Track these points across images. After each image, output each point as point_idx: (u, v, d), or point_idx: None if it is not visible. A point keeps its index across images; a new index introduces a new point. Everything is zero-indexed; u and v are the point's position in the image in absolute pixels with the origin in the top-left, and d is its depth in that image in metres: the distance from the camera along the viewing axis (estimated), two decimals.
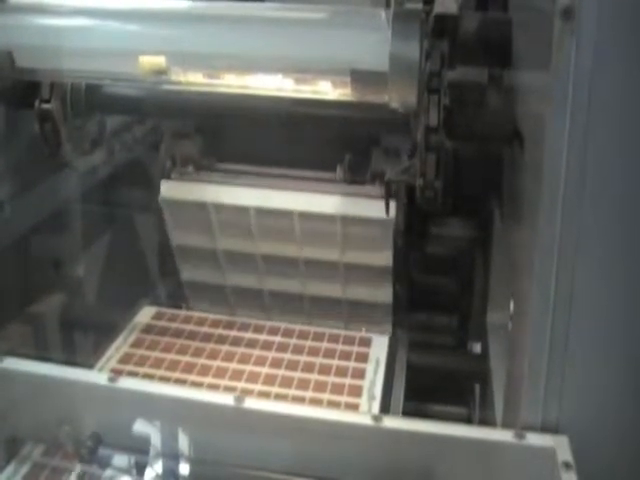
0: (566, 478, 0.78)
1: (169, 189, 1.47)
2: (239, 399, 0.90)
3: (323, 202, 1.39)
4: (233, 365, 1.36)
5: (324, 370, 1.35)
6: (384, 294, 1.48)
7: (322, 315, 1.53)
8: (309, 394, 1.29)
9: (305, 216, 1.40)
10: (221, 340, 1.44)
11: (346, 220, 1.39)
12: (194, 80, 0.98)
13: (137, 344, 1.42)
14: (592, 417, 0.83)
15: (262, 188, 1.42)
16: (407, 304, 1.53)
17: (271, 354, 1.40)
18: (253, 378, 1.33)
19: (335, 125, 1.23)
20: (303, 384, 1.31)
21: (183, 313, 1.54)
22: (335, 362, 1.38)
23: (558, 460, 0.80)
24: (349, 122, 1.20)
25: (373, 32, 0.89)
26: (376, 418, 0.87)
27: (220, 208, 1.45)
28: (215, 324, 1.49)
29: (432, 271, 1.59)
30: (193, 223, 1.49)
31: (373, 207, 1.35)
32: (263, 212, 1.42)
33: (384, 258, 1.42)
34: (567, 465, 0.79)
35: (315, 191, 1.40)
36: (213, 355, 1.39)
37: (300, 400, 1.27)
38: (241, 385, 1.31)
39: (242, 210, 1.43)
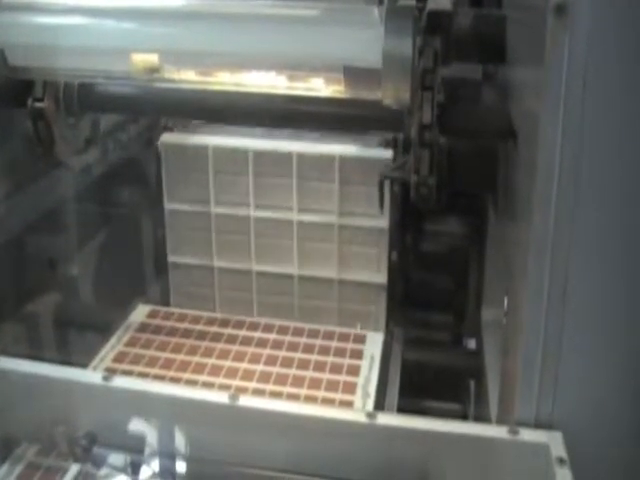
0: (560, 474, 0.78)
1: (169, 137, 1.55)
2: (234, 397, 0.90)
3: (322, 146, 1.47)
4: (228, 363, 1.36)
5: (319, 367, 1.35)
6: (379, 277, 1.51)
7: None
8: (304, 391, 1.29)
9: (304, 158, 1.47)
10: (216, 338, 1.44)
11: (344, 160, 1.45)
12: (187, 78, 0.98)
13: (131, 343, 1.42)
14: (586, 413, 0.83)
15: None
16: (402, 300, 1.53)
17: (266, 351, 1.40)
18: (248, 376, 1.33)
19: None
20: (298, 381, 1.31)
21: (177, 311, 1.54)
22: (330, 359, 1.37)
23: (552, 456, 0.80)
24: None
25: (366, 29, 0.89)
26: (370, 415, 0.87)
27: (219, 151, 1.51)
28: (210, 322, 1.49)
29: (427, 268, 1.59)
30: (189, 181, 1.55)
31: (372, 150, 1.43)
32: (261, 154, 1.49)
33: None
34: (561, 461, 0.79)
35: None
36: (208, 353, 1.39)
37: (295, 398, 1.27)
38: (236, 383, 1.31)
39: (241, 153, 1.49)
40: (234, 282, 1.60)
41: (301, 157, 1.48)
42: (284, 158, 1.49)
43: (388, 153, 1.42)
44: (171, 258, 1.61)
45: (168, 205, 1.58)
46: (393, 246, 1.48)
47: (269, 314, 1.55)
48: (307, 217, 1.52)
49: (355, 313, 1.54)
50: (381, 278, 1.51)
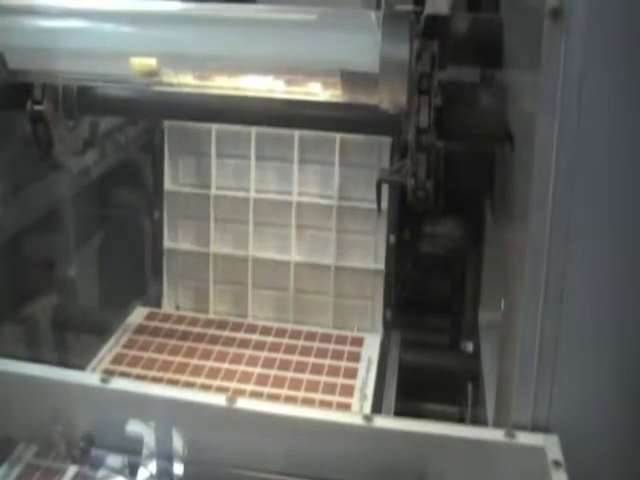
0: (556, 477, 0.78)
1: None
2: (231, 399, 0.90)
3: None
4: (225, 365, 1.37)
5: (316, 370, 1.35)
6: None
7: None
8: (301, 394, 1.29)
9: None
10: (213, 340, 1.44)
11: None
12: (185, 82, 0.99)
13: (129, 345, 1.42)
14: (582, 416, 0.83)
15: None
16: (399, 303, 1.53)
17: (263, 354, 1.40)
18: (245, 378, 1.33)
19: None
20: (295, 384, 1.32)
21: (176, 314, 1.54)
22: (327, 362, 1.38)
23: (548, 459, 0.80)
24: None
25: (363, 33, 0.90)
26: (368, 418, 0.88)
27: (222, 134, 1.54)
28: (207, 324, 1.50)
29: (424, 270, 1.60)
30: (191, 164, 1.58)
31: None
32: (264, 136, 1.52)
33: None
34: (557, 464, 0.79)
35: None
36: (205, 355, 1.39)
37: (292, 400, 1.27)
38: (233, 385, 1.31)
39: (244, 135, 1.53)
40: (230, 268, 1.59)
41: (303, 139, 1.50)
42: (286, 139, 1.51)
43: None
44: (167, 244, 1.61)
45: (168, 187, 1.59)
46: (391, 230, 1.49)
47: (263, 307, 1.56)
48: (306, 199, 1.53)
49: (352, 301, 1.54)
50: (379, 264, 1.51)
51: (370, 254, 1.51)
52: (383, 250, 1.49)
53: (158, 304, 1.60)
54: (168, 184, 1.59)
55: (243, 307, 1.57)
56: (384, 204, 1.42)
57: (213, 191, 1.56)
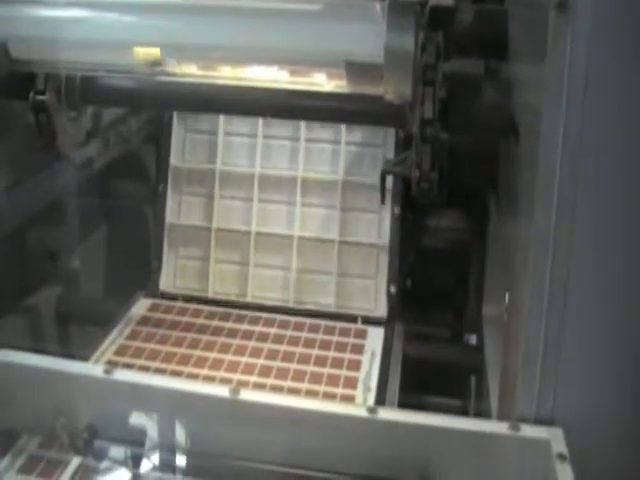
0: (560, 469, 0.78)
1: None
2: (235, 391, 0.90)
3: None
4: (229, 357, 1.36)
5: (320, 362, 1.35)
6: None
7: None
8: (305, 386, 1.29)
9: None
10: (217, 332, 1.44)
11: None
12: (189, 72, 0.98)
13: (133, 336, 1.42)
14: (587, 409, 0.83)
15: None
16: (403, 295, 1.53)
17: (267, 346, 1.40)
18: (249, 370, 1.33)
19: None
20: (299, 376, 1.31)
21: (179, 305, 1.54)
22: (331, 354, 1.38)
23: (553, 452, 0.80)
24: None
25: (368, 24, 0.89)
26: (371, 410, 0.88)
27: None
28: (211, 316, 1.49)
29: (428, 263, 1.59)
30: (198, 141, 1.58)
31: None
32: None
33: None
34: (561, 456, 0.79)
35: None
36: (209, 347, 1.39)
37: (296, 392, 1.27)
38: (237, 377, 1.31)
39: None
40: (232, 246, 1.58)
41: None
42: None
43: None
44: (169, 219, 1.60)
45: (174, 163, 1.59)
46: (395, 203, 1.49)
47: (264, 286, 1.55)
48: (311, 174, 1.54)
49: (356, 280, 1.54)
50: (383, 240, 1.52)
51: (374, 230, 1.51)
52: (387, 227, 1.50)
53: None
54: (174, 160, 1.59)
55: (243, 286, 1.56)
56: (389, 183, 1.44)
57: (218, 166, 1.57)
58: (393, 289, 1.49)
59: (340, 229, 1.52)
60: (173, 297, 1.56)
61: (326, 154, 1.54)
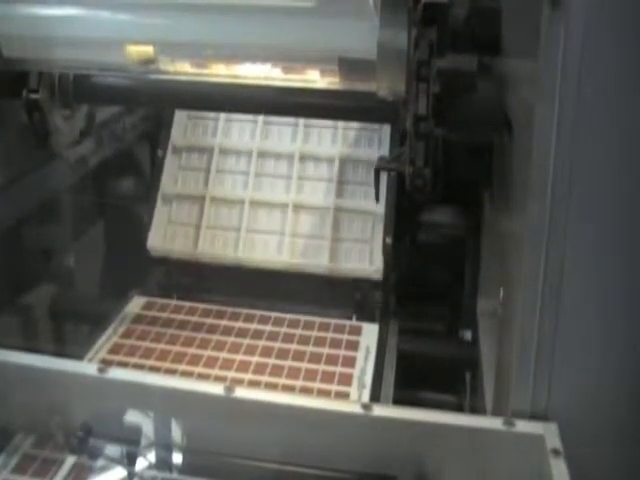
0: (555, 465, 0.78)
1: None
2: (229, 389, 0.90)
3: None
4: (223, 354, 1.36)
5: (314, 359, 1.35)
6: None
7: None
8: (299, 383, 1.29)
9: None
10: (211, 330, 1.44)
11: None
12: (182, 70, 0.98)
13: (127, 334, 1.42)
14: (581, 404, 0.83)
15: None
16: (398, 291, 1.53)
17: (261, 343, 1.40)
18: (243, 367, 1.33)
19: None
20: (293, 373, 1.31)
21: (173, 303, 1.54)
22: (325, 350, 1.38)
23: (547, 447, 0.80)
24: None
25: (361, 20, 0.89)
26: (366, 406, 0.88)
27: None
28: (206, 314, 1.49)
29: (423, 259, 1.59)
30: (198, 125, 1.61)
31: None
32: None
33: None
34: (556, 452, 0.79)
35: None
36: (203, 345, 1.39)
37: (290, 389, 1.27)
38: (231, 374, 1.31)
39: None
40: (225, 215, 1.58)
41: None
42: None
43: None
44: (164, 189, 1.59)
45: (174, 142, 1.61)
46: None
47: (254, 249, 1.55)
48: (308, 148, 1.57)
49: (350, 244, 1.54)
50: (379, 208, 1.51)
51: (370, 200, 1.50)
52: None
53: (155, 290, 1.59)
54: (174, 139, 1.61)
55: (232, 249, 1.55)
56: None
57: (218, 140, 1.59)
58: (389, 240, 1.48)
59: (336, 198, 1.55)
60: (162, 259, 1.57)
61: (324, 136, 1.58)
